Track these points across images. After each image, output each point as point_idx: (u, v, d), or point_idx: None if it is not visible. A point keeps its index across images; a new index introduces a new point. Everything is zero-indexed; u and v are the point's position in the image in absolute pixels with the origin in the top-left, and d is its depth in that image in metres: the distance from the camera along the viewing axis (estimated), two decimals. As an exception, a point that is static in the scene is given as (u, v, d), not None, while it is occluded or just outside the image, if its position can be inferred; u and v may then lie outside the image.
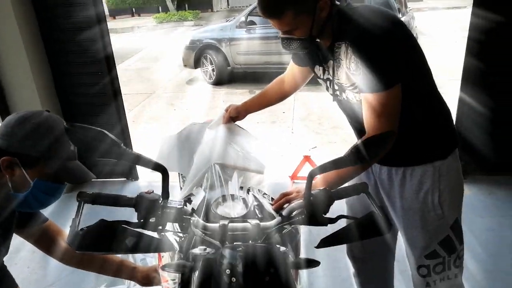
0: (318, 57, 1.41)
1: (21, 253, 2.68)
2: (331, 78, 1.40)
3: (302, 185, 1.30)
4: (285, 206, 1.23)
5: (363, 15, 1.25)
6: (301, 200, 1.12)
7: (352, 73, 1.26)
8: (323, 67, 1.41)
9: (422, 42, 6.74)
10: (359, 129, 1.41)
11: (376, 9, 1.30)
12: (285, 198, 1.28)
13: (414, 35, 6.22)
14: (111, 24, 13.66)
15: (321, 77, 1.46)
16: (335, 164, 1.11)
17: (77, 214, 1.00)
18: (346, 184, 1.39)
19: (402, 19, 5.84)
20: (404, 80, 1.23)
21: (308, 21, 1.23)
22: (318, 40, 1.31)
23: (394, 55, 1.21)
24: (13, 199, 1.11)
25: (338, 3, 1.29)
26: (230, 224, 1.07)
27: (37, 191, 1.11)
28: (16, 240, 2.80)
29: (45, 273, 2.46)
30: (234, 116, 1.78)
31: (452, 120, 1.48)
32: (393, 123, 1.26)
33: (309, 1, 1.21)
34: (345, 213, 1.55)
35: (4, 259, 1.33)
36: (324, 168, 1.13)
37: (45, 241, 1.40)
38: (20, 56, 2.97)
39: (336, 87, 1.40)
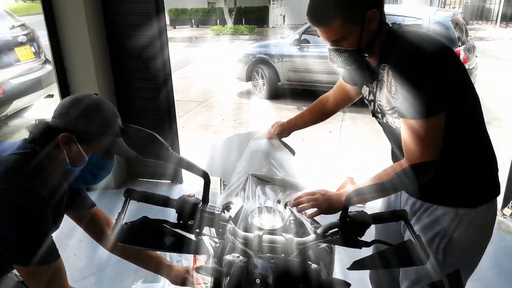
0: (365, 77, 1.38)
1: (70, 241, 2.84)
2: (374, 100, 1.37)
3: (329, 191, 1.30)
4: (302, 204, 1.24)
5: (410, 39, 1.22)
6: (338, 220, 1.12)
7: (393, 97, 1.23)
8: (369, 87, 1.39)
9: (481, 73, 6.46)
10: (397, 155, 1.37)
11: (425, 34, 1.27)
12: (307, 197, 1.28)
13: (474, 65, 5.96)
14: (171, 33, 14.29)
15: (367, 97, 1.44)
16: (374, 189, 1.11)
17: (123, 209, 1.06)
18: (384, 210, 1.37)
19: (461, 48, 5.65)
20: (447, 109, 1.19)
21: (356, 31, 1.22)
22: (366, 56, 1.29)
23: (439, 81, 1.16)
24: (71, 173, 1.21)
25: (390, 24, 1.28)
26: (265, 236, 1.09)
27: (91, 166, 1.22)
28: (66, 228, 2.98)
29: (90, 262, 2.59)
30: (279, 132, 1.81)
31: (496, 167, 1.37)
32: (433, 152, 1.21)
33: (358, 10, 1.20)
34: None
35: (56, 242, 1.42)
36: (362, 192, 1.13)
37: (95, 227, 1.51)
38: (87, 58, 3.18)
39: (378, 110, 1.37)
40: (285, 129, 1.81)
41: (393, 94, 1.22)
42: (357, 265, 1.09)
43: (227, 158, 1.83)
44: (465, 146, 1.30)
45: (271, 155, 1.74)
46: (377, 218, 1.14)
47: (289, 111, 6.15)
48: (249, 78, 7.26)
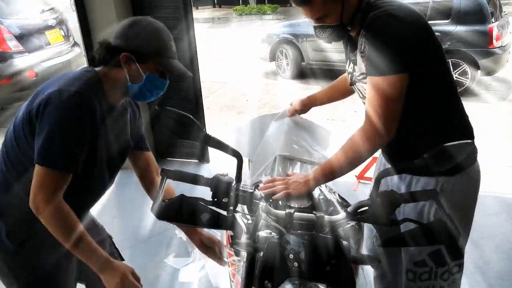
0: (348, 49, 1.45)
1: (103, 218, 2.97)
2: (350, 71, 1.42)
3: (299, 175, 1.32)
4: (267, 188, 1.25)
5: (384, 6, 1.26)
6: (368, 199, 1.14)
7: (362, 56, 1.28)
8: (350, 58, 1.44)
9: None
10: None
11: (401, 4, 1.30)
12: (275, 182, 1.29)
13: (508, 41, 5.72)
14: (193, 14, 14.19)
15: (348, 69, 1.48)
16: (408, 168, 1.12)
17: (160, 187, 1.12)
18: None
19: (495, 24, 5.43)
20: (414, 73, 1.21)
21: (337, 7, 1.27)
22: (349, 30, 1.34)
23: (404, 42, 1.20)
24: (130, 89, 1.32)
25: None
26: (296, 213, 1.12)
27: (148, 83, 1.31)
28: (100, 206, 3.07)
29: (123, 238, 2.70)
30: (299, 109, 1.84)
31: (471, 136, 1.40)
32: (391, 114, 1.24)
33: None
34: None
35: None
36: (395, 171, 1.14)
37: (147, 173, 1.61)
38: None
39: (355, 80, 1.42)
40: (305, 105, 1.84)
41: (363, 55, 1.28)
42: (388, 242, 1.11)
43: (253, 139, 1.86)
44: (437, 115, 1.34)
45: (296, 133, 1.77)
46: (407, 197, 1.16)
47: (313, 91, 6.05)
48: (273, 58, 7.22)
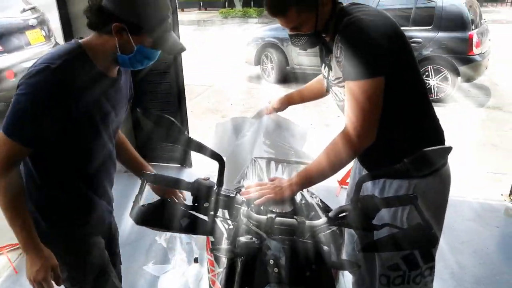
0: (323, 54, 1.47)
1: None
2: (326, 75, 1.44)
3: (281, 180, 1.33)
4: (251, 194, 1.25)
5: (357, 11, 1.28)
6: (349, 204, 1.14)
7: (338, 62, 1.30)
8: (325, 63, 1.46)
9: (495, 57, 6.34)
10: None
11: (376, 10, 1.33)
12: (257, 187, 1.29)
13: (487, 49, 5.88)
14: (179, 16, 14.13)
15: (324, 74, 1.50)
16: (388, 173, 1.13)
17: (140, 191, 1.10)
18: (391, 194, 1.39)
19: (474, 31, 5.55)
20: (388, 77, 1.24)
21: (312, 17, 1.30)
22: (324, 36, 1.37)
23: (377, 46, 1.22)
24: (120, 59, 1.28)
25: (344, 4, 1.36)
26: (278, 218, 1.12)
27: (139, 55, 1.27)
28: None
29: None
30: (277, 107, 1.87)
31: (442, 139, 1.45)
32: (371, 117, 1.26)
33: None
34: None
35: None
36: (374, 176, 1.16)
37: (124, 153, 1.64)
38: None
39: (330, 84, 1.44)
40: (282, 104, 1.87)
41: (338, 59, 1.30)
42: (368, 248, 1.12)
43: (231, 139, 1.86)
44: (408, 119, 1.37)
45: (274, 132, 1.79)
46: (387, 202, 1.17)
47: (297, 95, 6.13)
48: (258, 62, 7.23)
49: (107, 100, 1.33)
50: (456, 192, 3.02)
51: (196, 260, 2.50)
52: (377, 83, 1.24)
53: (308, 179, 1.31)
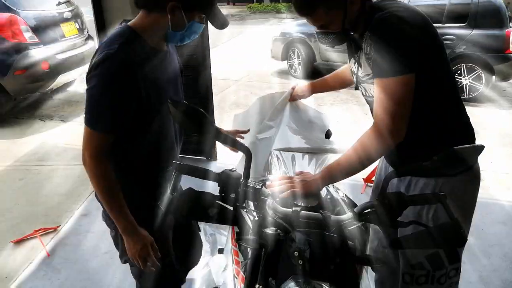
0: (351, 49, 1.46)
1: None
2: (355, 71, 1.43)
3: (306, 174, 1.33)
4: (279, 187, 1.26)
5: (388, 7, 1.26)
6: (376, 200, 1.14)
7: (368, 59, 1.29)
8: (354, 58, 1.45)
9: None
10: None
11: (408, 6, 1.30)
12: (284, 181, 1.29)
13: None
14: (207, 10, 14.21)
15: (352, 69, 1.49)
16: (416, 170, 1.12)
17: (170, 181, 1.13)
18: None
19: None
20: (418, 75, 1.21)
21: (340, 15, 1.30)
22: (352, 33, 1.37)
23: (410, 44, 1.20)
24: (171, 36, 1.35)
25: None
26: (303, 212, 1.13)
27: (189, 30, 1.34)
28: (84, 211, 3.08)
29: (102, 242, 2.66)
30: (300, 94, 1.88)
31: (473, 138, 1.41)
32: (402, 114, 1.24)
33: None
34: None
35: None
36: (402, 172, 1.14)
37: None
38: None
39: (359, 80, 1.43)
40: (305, 91, 1.87)
41: (368, 56, 1.29)
42: (396, 244, 1.11)
43: (251, 129, 1.90)
44: (438, 117, 1.34)
45: (295, 122, 1.81)
46: (415, 200, 1.15)
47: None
48: (285, 57, 7.21)
49: (165, 72, 1.42)
50: (488, 194, 2.94)
51: (220, 251, 2.53)
52: (408, 81, 1.22)
53: (334, 174, 1.30)
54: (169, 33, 1.33)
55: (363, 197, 3.11)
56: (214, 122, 3.66)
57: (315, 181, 1.28)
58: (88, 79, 1.27)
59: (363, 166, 1.31)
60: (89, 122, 1.28)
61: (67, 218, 3.00)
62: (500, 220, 2.89)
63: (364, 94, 1.47)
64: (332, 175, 1.30)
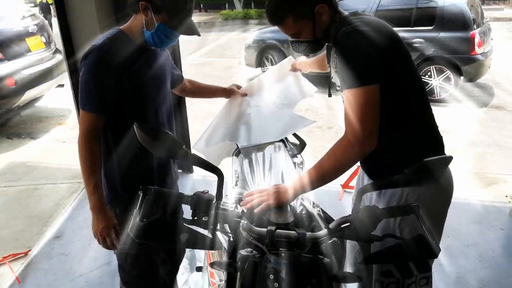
0: (328, 59, 1.53)
1: (84, 231, 2.91)
2: (333, 80, 1.50)
3: (279, 186, 1.33)
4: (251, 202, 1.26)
5: (354, 21, 1.30)
6: (350, 215, 1.13)
7: (335, 71, 1.34)
8: (330, 68, 1.51)
9: (499, 55, 6.30)
10: None
11: (372, 20, 1.34)
12: (256, 195, 1.29)
13: (490, 48, 5.86)
14: (179, 19, 14.12)
15: (332, 79, 1.56)
16: (389, 183, 1.12)
17: (140, 207, 1.08)
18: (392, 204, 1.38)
19: (476, 31, 5.51)
20: (384, 85, 1.24)
21: (309, 24, 1.35)
22: (324, 43, 1.43)
23: (371, 56, 1.24)
24: (144, 35, 1.49)
25: (346, 12, 1.40)
26: (277, 231, 1.10)
27: (159, 32, 1.47)
28: (81, 219, 3.03)
29: (103, 252, 2.60)
30: (299, 67, 2.04)
31: (442, 147, 1.44)
32: (369, 123, 1.26)
33: (306, 8, 1.33)
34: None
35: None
36: (375, 187, 1.14)
37: (198, 90, 2.06)
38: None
39: (333, 87, 1.51)
40: (304, 65, 2.01)
41: (335, 69, 1.35)
42: (370, 259, 1.10)
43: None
44: (408, 126, 1.37)
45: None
46: (388, 213, 1.15)
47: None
48: (259, 64, 7.22)
49: (150, 68, 1.57)
50: (460, 194, 3.01)
51: (199, 269, 2.48)
52: (371, 91, 1.24)
53: (307, 184, 1.30)
54: (144, 32, 1.48)
55: (342, 204, 3.12)
56: (188, 134, 3.63)
57: (288, 191, 1.28)
58: (80, 69, 1.47)
59: (335, 175, 1.32)
60: (81, 103, 1.47)
61: (38, 241, 2.88)
62: (474, 220, 2.95)
63: (342, 100, 1.49)
64: (305, 184, 1.30)
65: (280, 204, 1.25)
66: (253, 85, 2.10)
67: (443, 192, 1.43)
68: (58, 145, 4.70)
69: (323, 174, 1.30)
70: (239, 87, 2.10)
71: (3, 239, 2.92)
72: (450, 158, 1.10)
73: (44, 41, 5.28)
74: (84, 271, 2.55)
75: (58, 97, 5.75)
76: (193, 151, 1.18)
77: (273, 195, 1.26)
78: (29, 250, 2.77)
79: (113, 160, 1.59)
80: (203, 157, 1.76)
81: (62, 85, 5.46)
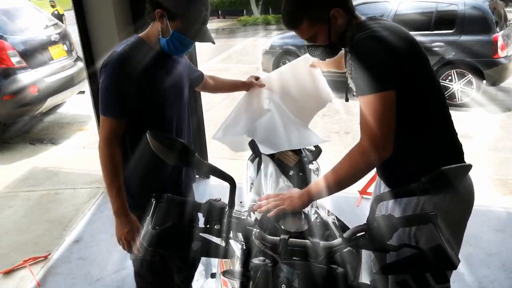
0: (345, 63, 1.52)
1: (102, 235, 2.95)
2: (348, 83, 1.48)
3: (293, 191, 1.32)
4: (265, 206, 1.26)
5: (370, 27, 1.29)
6: (365, 224, 1.11)
7: (351, 77, 1.33)
8: (346, 72, 1.50)
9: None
10: None
11: (389, 25, 1.32)
12: (269, 199, 1.29)
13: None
14: (198, 26, 14.24)
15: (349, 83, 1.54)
16: (405, 192, 1.09)
17: (152, 214, 1.09)
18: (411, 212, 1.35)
19: (499, 34, 5.37)
20: (401, 91, 1.22)
21: (324, 28, 1.35)
22: (340, 47, 1.42)
23: (387, 62, 1.22)
24: (160, 42, 1.51)
25: (363, 17, 1.39)
26: (291, 240, 1.09)
27: (174, 39, 1.49)
28: (98, 223, 3.07)
29: (121, 257, 2.65)
30: (318, 65, 2.06)
31: (461, 154, 1.41)
32: (385, 129, 1.23)
33: (321, 12, 1.33)
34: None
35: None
36: (393, 194, 1.12)
37: (220, 85, 2.14)
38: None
39: (349, 92, 1.50)
40: (322, 65, 2.05)
41: (351, 75, 1.33)
42: (385, 270, 1.08)
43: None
44: (426, 132, 1.34)
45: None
46: (405, 222, 1.13)
47: (316, 102, 6.07)
48: (276, 69, 7.21)
49: (170, 75, 1.59)
50: (482, 201, 2.92)
51: (213, 276, 2.48)
52: (388, 97, 1.23)
53: (324, 189, 1.29)
54: (160, 39, 1.50)
55: (360, 210, 3.08)
56: (205, 140, 3.64)
57: (301, 196, 1.27)
58: (100, 76, 1.49)
59: (351, 181, 1.30)
60: (101, 109, 1.49)
61: (58, 245, 2.93)
62: (497, 228, 2.86)
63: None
64: (320, 190, 1.28)
65: (295, 209, 1.23)
66: (271, 76, 2.11)
67: (462, 201, 1.39)
68: (78, 150, 4.79)
69: (339, 180, 1.28)
70: (257, 78, 2.11)
71: (24, 243, 2.99)
72: (469, 167, 1.07)
73: (66, 49, 5.42)
74: (102, 276, 2.58)
75: (79, 104, 5.87)
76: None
77: (288, 200, 1.25)
78: (49, 254, 2.82)
79: (130, 167, 1.59)
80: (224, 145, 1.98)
81: (83, 92, 5.58)
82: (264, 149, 1.82)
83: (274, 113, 1.95)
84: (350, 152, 1.29)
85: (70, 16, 6.60)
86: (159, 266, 1.68)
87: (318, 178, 1.35)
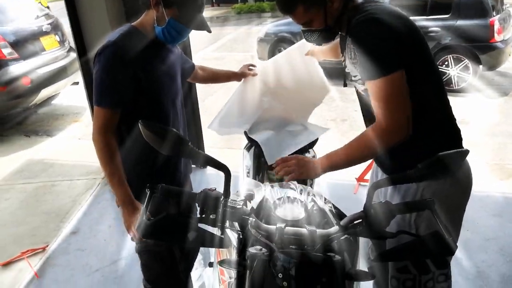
0: (342, 48, 1.49)
1: (100, 226, 2.95)
2: (345, 68, 1.46)
3: (303, 158, 1.39)
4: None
5: (368, 9, 1.26)
6: (362, 211, 1.10)
7: (353, 63, 1.30)
8: (343, 56, 1.47)
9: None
10: (369, 120, 1.41)
11: (389, 6, 1.31)
12: (282, 164, 1.35)
13: (510, 35, 5.66)
14: (192, 14, 14.05)
15: (343, 65, 1.52)
16: (402, 179, 1.08)
17: (146, 205, 1.07)
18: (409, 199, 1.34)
19: (496, 18, 5.33)
20: (406, 69, 1.21)
21: (320, 12, 1.32)
22: (337, 31, 1.40)
23: (390, 42, 1.20)
24: (156, 30, 1.48)
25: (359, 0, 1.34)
26: (287, 228, 1.08)
27: (169, 27, 1.46)
28: (96, 214, 3.06)
29: (119, 247, 2.65)
30: (312, 54, 2.01)
31: (460, 140, 1.40)
32: (401, 111, 1.23)
33: None
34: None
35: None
36: (390, 181, 1.11)
37: (210, 76, 2.08)
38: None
39: (348, 77, 1.46)
40: (317, 54, 2.01)
41: (353, 61, 1.31)
42: (383, 257, 1.07)
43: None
44: (425, 117, 1.33)
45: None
46: (402, 208, 1.12)
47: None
48: (271, 57, 7.15)
49: (164, 63, 1.57)
50: (480, 186, 2.93)
51: (210, 265, 2.48)
52: (397, 78, 1.21)
53: (334, 163, 1.33)
54: (155, 27, 1.48)
55: (357, 197, 3.08)
56: (201, 130, 3.62)
57: (314, 168, 1.33)
58: (94, 65, 1.46)
59: (361, 159, 1.35)
60: (95, 99, 1.46)
61: (56, 237, 2.92)
62: (494, 213, 2.87)
63: (355, 89, 1.47)
64: (332, 163, 1.33)
65: (306, 176, 1.29)
66: (266, 67, 2.07)
67: (461, 186, 1.38)
68: (74, 142, 4.76)
69: (349, 157, 1.32)
70: (251, 67, 2.09)
71: (21, 235, 2.98)
72: (466, 152, 1.06)
73: (58, 40, 5.34)
74: (100, 266, 2.58)
75: (73, 95, 5.82)
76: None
77: (299, 169, 1.32)
78: (47, 246, 2.82)
79: (127, 157, 1.57)
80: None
81: (77, 83, 5.52)
82: (270, 159, 1.77)
83: (274, 113, 1.91)
84: (366, 133, 1.29)
85: (56, 8, 6.52)
86: (166, 257, 1.67)
87: (330, 152, 1.36)
